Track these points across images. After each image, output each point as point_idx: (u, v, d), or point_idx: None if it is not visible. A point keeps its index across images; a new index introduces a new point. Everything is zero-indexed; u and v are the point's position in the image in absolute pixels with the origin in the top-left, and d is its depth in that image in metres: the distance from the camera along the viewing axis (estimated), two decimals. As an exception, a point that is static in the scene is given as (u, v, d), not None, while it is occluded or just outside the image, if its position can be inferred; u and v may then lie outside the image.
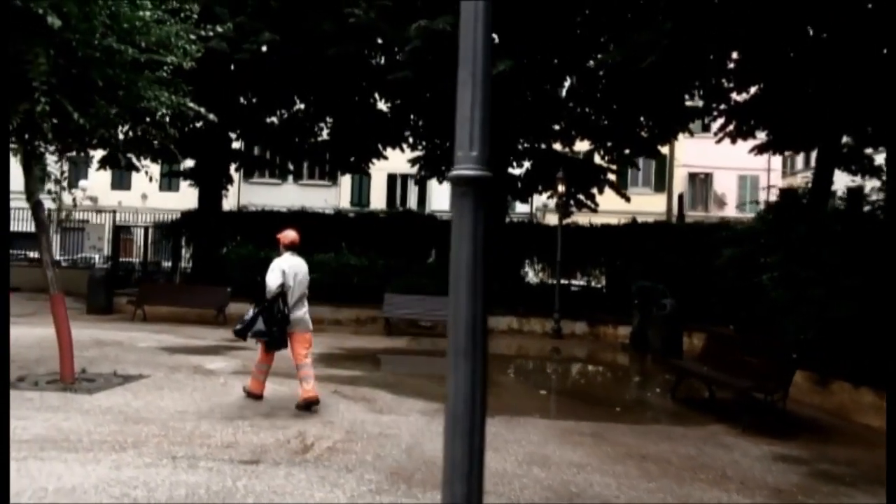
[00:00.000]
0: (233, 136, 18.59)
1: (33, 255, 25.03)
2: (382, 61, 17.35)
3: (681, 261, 15.45)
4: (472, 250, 2.12)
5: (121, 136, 8.62)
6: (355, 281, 15.55)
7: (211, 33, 8.95)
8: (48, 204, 9.09)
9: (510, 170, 17.85)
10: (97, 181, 29.93)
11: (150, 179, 11.15)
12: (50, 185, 8.53)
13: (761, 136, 14.93)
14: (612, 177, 18.33)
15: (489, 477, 5.14)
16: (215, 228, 18.00)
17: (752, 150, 15.85)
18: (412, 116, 19.67)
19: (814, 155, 27.59)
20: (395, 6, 15.10)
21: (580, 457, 5.83)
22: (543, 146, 17.94)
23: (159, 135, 8.68)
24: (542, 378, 10.59)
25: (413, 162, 19.33)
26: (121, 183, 29.98)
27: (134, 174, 28.67)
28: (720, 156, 26.22)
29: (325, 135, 19.91)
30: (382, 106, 18.79)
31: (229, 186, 18.82)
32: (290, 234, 7.55)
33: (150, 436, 5.69)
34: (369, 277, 15.80)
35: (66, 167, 9.78)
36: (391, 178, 28.91)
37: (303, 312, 7.24)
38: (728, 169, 26.87)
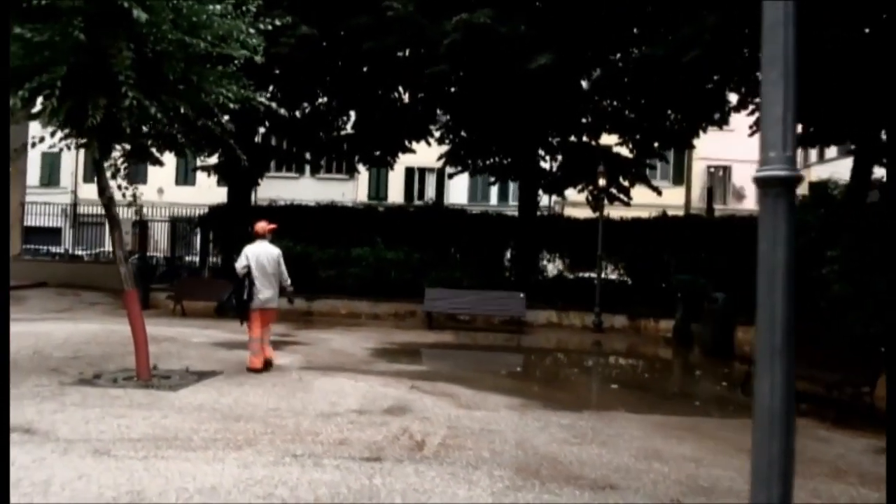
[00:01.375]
0: (261, 130, 18.47)
1: (56, 249, 24.97)
2: (407, 54, 17.22)
3: (718, 254, 15.45)
4: (788, 253, 2.08)
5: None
6: (393, 275, 15.48)
7: (270, 27, 8.84)
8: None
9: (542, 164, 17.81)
10: (113, 176, 29.74)
11: (200, 171, 11.03)
12: (120, 181, 8.40)
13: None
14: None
15: (613, 471, 5.12)
16: (246, 222, 17.83)
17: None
18: (438, 111, 19.63)
19: (828, 150, 27.71)
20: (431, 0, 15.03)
21: (691, 451, 5.79)
22: (574, 139, 17.93)
23: (216, 129, 8.58)
24: (604, 372, 10.55)
25: (441, 156, 19.22)
26: (136, 177, 29.66)
27: (150, 168, 28.71)
28: (739, 149, 26.21)
29: (348, 128, 19.82)
30: (406, 99, 18.69)
31: (260, 181, 18.69)
32: (262, 225, 8.82)
33: (258, 434, 5.62)
34: (405, 271, 15.73)
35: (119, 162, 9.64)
36: (409, 172, 28.80)
37: (270, 293, 8.45)
38: (746, 162, 26.72)
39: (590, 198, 17.93)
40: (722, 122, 16.82)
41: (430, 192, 29.16)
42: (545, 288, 15.84)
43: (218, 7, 7.68)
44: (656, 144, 17.90)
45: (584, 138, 17.87)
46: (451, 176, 19.81)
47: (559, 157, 17.65)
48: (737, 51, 13.50)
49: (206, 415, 6.17)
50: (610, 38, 14.52)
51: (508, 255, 18.33)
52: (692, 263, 15.26)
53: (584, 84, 16.90)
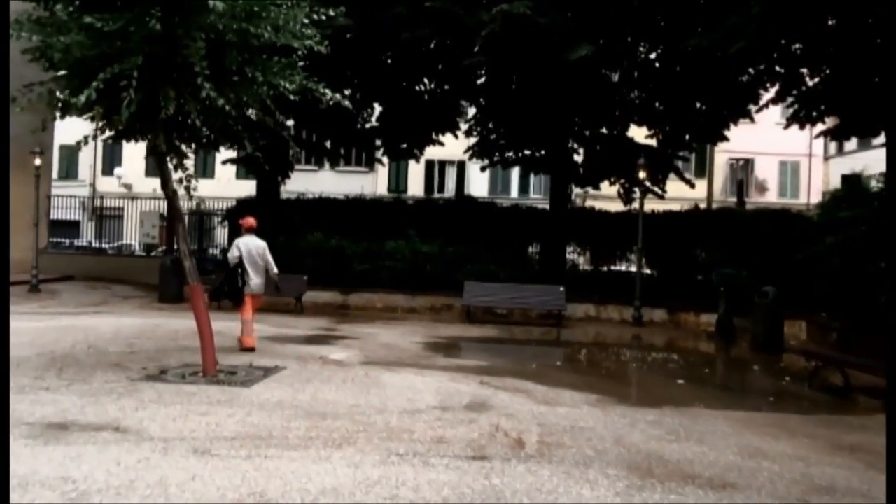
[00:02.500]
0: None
1: (78, 242, 24.84)
2: (432, 45, 17.03)
3: (754, 247, 15.31)
4: None
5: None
6: (428, 269, 15.36)
7: (324, 17, 8.66)
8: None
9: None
10: (132, 168, 29.64)
11: (226, 164, 10.78)
12: (181, 175, 8.25)
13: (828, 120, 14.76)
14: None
15: (726, 470, 5.00)
16: (275, 215, 17.72)
17: (818, 135, 15.71)
18: (464, 102, 19.47)
19: (847, 143, 27.45)
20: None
21: (792, 449, 5.66)
22: (605, 131, 17.76)
23: (270, 121, 8.47)
24: (662, 366, 10.41)
25: (468, 149, 19.04)
26: (155, 170, 29.60)
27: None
28: (761, 142, 26.06)
29: (373, 120, 19.65)
30: (433, 90, 18.50)
31: (291, 173, 18.56)
32: (248, 221, 9.85)
33: (351, 432, 5.50)
34: (439, 265, 15.62)
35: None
36: (429, 165, 28.63)
37: (259, 280, 9.48)
38: (769, 154, 26.69)
39: (620, 190, 17.78)
40: (749, 115, 16.66)
41: (451, 185, 29.01)
42: (580, 281, 15.71)
43: None
44: (686, 137, 17.75)
45: (615, 130, 17.72)
46: (483, 168, 19.66)
47: (587, 150, 17.45)
48: (782, 42, 13.37)
49: (290, 412, 6.06)
50: (651, 29, 14.31)
51: (537, 247, 18.18)
52: (728, 257, 15.11)
53: (614, 76, 16.75)
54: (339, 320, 13.29)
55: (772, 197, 26.00)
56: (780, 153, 26.08)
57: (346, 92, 18.74)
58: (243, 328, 9.26)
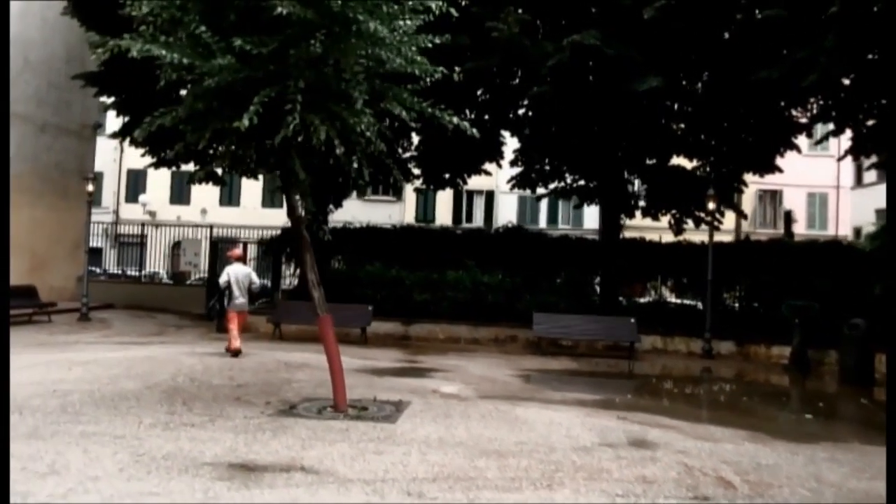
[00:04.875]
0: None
1: (100, 270, 24.32)
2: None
3: (814, 278, 15.22)
4: None
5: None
6: (490, 299, 15.13)
7: (429, 44, 8.53)
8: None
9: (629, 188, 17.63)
10: (156, 195, 29.35)
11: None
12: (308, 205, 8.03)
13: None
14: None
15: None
16: (323, 245, 17.48)
17: (869, 168, 15.86)
18: (503, 132, 19.44)
19: (867, 175, 27.56)
20: (533, 21, 14.96)
21: None
22: (655, 162, 17.77)
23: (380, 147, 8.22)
24: (773, 400, 10.29)
25: (511, 179, 18.99)
26: (180, 198, 29.37)
27: (194, 189, 28.29)
28: (789, 173, 26.17)
29: (412, 150, 19.59)
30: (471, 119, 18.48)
31: (344, 202, 18.40)
32: (235, 252, 12.17)
33: (548, 472, 5.23)
34: (499, 295, 15.40)
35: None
36: (457, 194, 28.53)
37: (243, 300, 11.39)
38: (797, 186, 26.84)
39: (672, 221, 17.71)
40: (796, 147, 16.79)
41: (478, 215, 28.94)
42: (638, 312, 15.51)
43: (408, 23, 7.40)
44: (732, 167, 17.80)
45: (664, 161, 17.73)
46: (538, 199, 19.68)
47: (645, 180, 17.42)
48: (852, 75, 13.50)
49: (462, 450, 5.78)
50: (716, 61, 14.39)
51: (585, 277, 18.01)
52: (789, 288, 15.01)
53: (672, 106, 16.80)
54: (412, 351, 13.01)
55: (800, 228, 26.09)
56: (808, 184, 26.27)
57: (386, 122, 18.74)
58: (230, 336, 11.06)
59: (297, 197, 7.84)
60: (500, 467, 5.31)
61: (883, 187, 28.61)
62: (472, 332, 14.86)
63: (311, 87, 6.45)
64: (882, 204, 28.22)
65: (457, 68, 7.82)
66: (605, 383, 10.97)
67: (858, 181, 29.92)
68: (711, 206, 14.81)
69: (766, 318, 14.80)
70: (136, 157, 27.53)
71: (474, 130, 8.23)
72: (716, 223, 17.12)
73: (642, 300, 17.04)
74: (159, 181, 28.32)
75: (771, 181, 27.79)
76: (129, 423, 6.23)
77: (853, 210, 26.84)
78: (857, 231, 28.71)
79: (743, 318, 15.34)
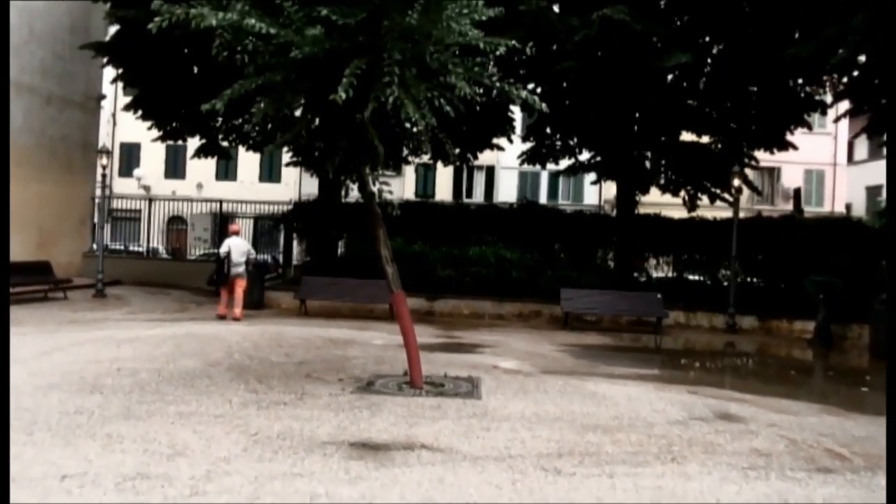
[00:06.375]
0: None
1: (129, 246, 23.79)
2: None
3: (828, 255, 15.47)
4: None
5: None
6: (514, 275, 15.15)
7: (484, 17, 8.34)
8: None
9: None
10: (151, 169, 28.70)
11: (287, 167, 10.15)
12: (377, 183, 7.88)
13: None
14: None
15: None
16: (340, 220, 17.33)
17: (880, 146, 16.06)
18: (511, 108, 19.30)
19: (858, 152, 27.94)
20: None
21: None
22: (667, 138, 17.81)
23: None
24: (820, 373, 10.61)
25: (522, 154, 18.95)
26: (175, 172, 28.79)
27: (188, 163, 27.72)
28: (787, 151, 26.53)
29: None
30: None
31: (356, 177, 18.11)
32: (233, 227, 13.71)
33: (661, 446, 5.27)
34: (521, 271, 15.43)
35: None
36: (457, 170, 28.38)
37: (241, 269, 12.67)
38: (795, 163, 27.16)
39: (685, 197, 17.82)
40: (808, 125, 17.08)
41: (478, 190, 28.85)
42: (656, 288, 15.68)
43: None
44: (744, 144, 17.94)
45: (681, 136, 17.79)
46: (556, 175, 19.71)
47: (663, 157, 17.45)
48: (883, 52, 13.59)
49: (565, 425, 5.80)
50: (744, 38, 14.38)
51: (601, 252, 18.14)
52: (804, 264, 15.26)
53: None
54: (443, 327, 13.00)
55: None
56: (805, 162, 26.62)
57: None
58: (233, 304, 12.46)
59: (367, 171, 7.70)
60: (614, 442, 5.34)
61: (873, 164, 29.25)
62: (496, 308, 14.90)
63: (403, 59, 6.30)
64: (872, 181, 28.87)
65: (529, 44, 7.54)
66: (650, 358, 11.10)
67: (850, 158, 30.49)
68: (737, 182, 14.92)
69: (785, 294, 15.05)
70: (129, 131, 26.99)
71: (543, 105, 8.10)
72: (732, 199, 17.34)
73: (658, 275, 17.21)
74: (154, 155, 27.72)
75: (769, 158, 28.14)
76: (218, 402, 6.12)
77: (847, 187, 27.35)
78: (848, 207, 29.31)
79: (762, 293, 15.56)
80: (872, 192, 26.71)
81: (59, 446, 4.70)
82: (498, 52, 7.52)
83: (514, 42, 7.64)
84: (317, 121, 7.20)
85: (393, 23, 6.15)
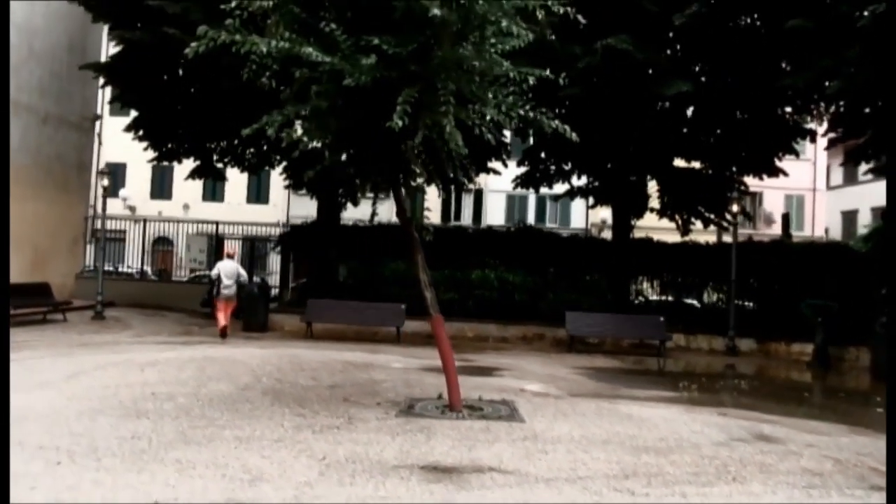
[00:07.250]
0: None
1: (118, 268, 23.37)
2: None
3: (819, 278, 15.96)
4: None
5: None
6: (517, 298, 15.31)
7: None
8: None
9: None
10: (137, 189, 28.38)
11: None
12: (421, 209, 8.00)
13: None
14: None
15: None
16: (339, 242, 17.35)
17: (866, 172, 16.71)
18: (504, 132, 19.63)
19: (833, 178, 28.86)
20: (561, 25, 15.16)
21: None
22: (661, 163, 18.27)
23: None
24: (830, 394, 10.93)
25: (516, 178, 19.28)
26: (161, 192, 28.48)
27: (175, 183, 27.48)
28: (777, 177, 27.33)
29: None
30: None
31: (360, 197, 18.18)
32: (227, 251, 15.01)
33: (718, 466, 5.42)
34: (524, 294, 15.61)
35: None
36: (448, 192, 28.66)
37: (230, 291, 13.04)
38: (775, 188, 27.94)
39: (679, 222, 18.25)
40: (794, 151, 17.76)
41: (467, 213, 29.07)
42: (653, 311, 15.97)
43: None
44: (734, 169, 18.47)
45: (673, 162, 18.26)
46: (556, 199, 19.97)
47: (660, 182, 17.87)
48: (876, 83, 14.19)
49: (616, 447, 5.92)
50: (741, 68, 14.89)
51: (595, 276, 18.40)
52: (795, 288, 15.72)
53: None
54: (454, 350, 12.99)
55: (778, 229, 27.18)
56: (786, 187, 27.40)
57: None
58: (217, 319, 13.03)
59: (405, 195, 7.83)
60: (671, 463, 5.48)
61: (848, 189, 30.18)
62: (500, 331, 15.03)
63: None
64: (848, 205, 29.76)
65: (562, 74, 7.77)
66: (664, 380, 11.26)
67: (826, 184, 31.49)
68: (735, 208, 15.35)
69: (781, 317, 15.44)
70: (115, 151, 26.68)
71: (574, 135, 8.33)
72: (724, 224, 17.82)
73: (653, 298, 17.54)
74: (139, 175, 27.44)
75: (752, 183, 28.94)
76: (269, 426, 6.12)
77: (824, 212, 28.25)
78: (826, 231, 30.22)
79: (757, 316, 15.95)
80: (848, 216, 27.64)
81: (132, 472, 4.68)
82: (531, 82, 7.79)
83: (546, 72, 7.93)
84: (349, 149, 7.28)
85: (446, 54, 6.33)
